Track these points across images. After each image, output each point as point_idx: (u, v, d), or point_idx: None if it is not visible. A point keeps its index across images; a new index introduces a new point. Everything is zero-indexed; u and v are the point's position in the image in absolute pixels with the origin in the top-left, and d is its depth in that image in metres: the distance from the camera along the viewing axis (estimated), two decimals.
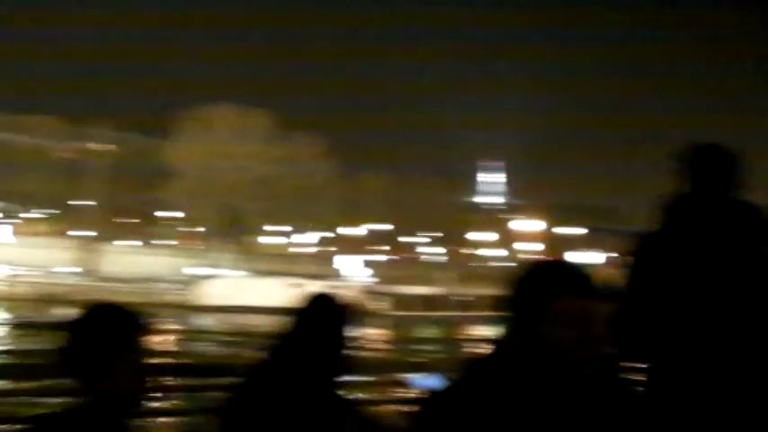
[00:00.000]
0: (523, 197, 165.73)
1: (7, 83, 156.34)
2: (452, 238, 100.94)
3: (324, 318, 2.63)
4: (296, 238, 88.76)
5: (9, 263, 61.28)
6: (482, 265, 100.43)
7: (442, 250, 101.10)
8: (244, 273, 68.96)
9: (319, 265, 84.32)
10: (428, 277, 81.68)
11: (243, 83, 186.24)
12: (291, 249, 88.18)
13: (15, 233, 74.56)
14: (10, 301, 55.29)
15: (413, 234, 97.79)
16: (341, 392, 2.65)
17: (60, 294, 58.50)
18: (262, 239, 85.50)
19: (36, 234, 78.70)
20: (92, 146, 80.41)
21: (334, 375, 2.62)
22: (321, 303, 2.72)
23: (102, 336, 1.98)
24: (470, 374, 1.77)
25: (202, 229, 78.79)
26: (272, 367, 2.59)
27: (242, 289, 62.43)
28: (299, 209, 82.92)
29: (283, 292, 59.53)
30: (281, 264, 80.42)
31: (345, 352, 2.63)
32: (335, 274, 75.01)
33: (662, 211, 3.14)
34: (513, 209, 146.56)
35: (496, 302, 1.88)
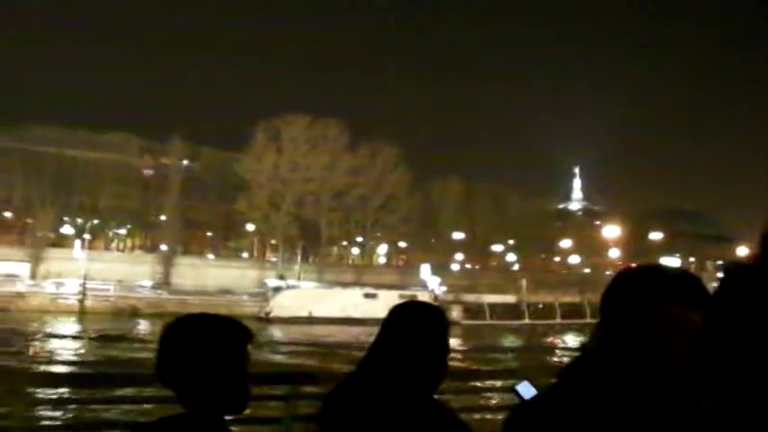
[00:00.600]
0: (603, 203, 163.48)
1: (85, 101, 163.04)
2: (530, 246, 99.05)
3: (419, 325, 2.48)
4: (370, 248, 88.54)
5: (81, 277, 62.19)
6: (560, 271, 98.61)
7: (515, 257, 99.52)
8: (317, 284, 68.72)
9: (393, 274, 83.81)
10: (504, 285, 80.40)
11: (316, 92, 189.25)
12: (365, 260, 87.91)
13: (93, 248, 76.14)
14: (81, 314, 56.13)
15: (489, 242, 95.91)
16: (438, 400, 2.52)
17: (133, 308, 59.75)
18: (336, 250, 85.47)
19: (114, 249, 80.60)
20: (167, 161, 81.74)
21: (432, 383, 2.47)
22: (415, 311, 2.58)
23: (203, 345, 1.99)
24: (567, 382, 1.71)
25: (276, 242, 78.99)
26: (370, 375, 2.46)
27: (315, 300, 62.32)
28: (373, 219, 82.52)
29: (356, 303, 59.63)
30: (354, 274, 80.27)
31: (441, 359, 2.48)
32: (409, 284, 74.18)
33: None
34: (592, 214, 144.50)
35: (598, 308, 1.76)
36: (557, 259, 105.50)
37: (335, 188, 78.83)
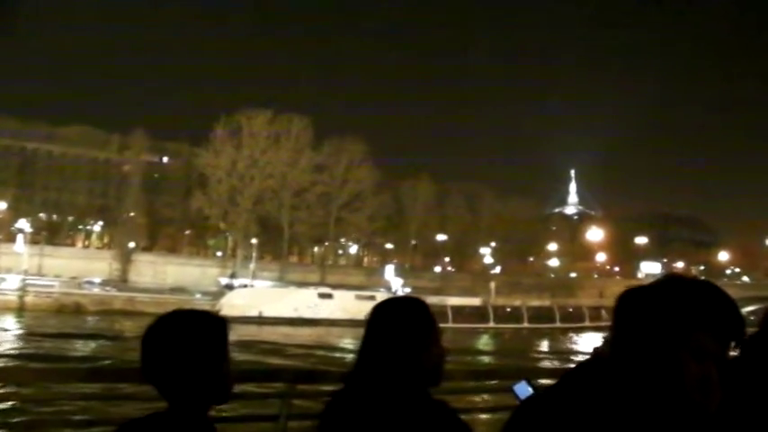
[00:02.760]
0: (599, 207, 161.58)
1: (42, 94, 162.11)
2: (510, 248, 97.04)
3: (401, 320, 2.43)
4: (336, 247, 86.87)
5: (24, 272, 60.55)
6: (544, 275, 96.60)
7: (492, 260, 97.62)
8: (272, 283, 67.00)
9: (360, 275, 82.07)
10: (476, 288, 78.59)
11: (279, 88, 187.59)
12: (331, 259, 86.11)
13: (54, 243, 74.70)
14: (20, 310, 54.48)
15: (465, 244, 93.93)
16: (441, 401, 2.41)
17: (77, 305, 58.16)
18: (300, 249, 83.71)
19: (76, 245, 79.17)
20: (130, 155, 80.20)
21: (426, 379, 2.40)
22: (396, 306, 2.51)
23: (184, 341, 2.00)
24: (573, 385, 1.73)
25: (236, 239, 77.23)
26: (363, 377, 2.42)
27: (267, 300, 60.66)
28: (337, 217, 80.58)
29: (310, 303, 57.79)
30: (319, 274, 78.60)
31: (430, 353, 2.42)
32: (376, 285, 72.42)
33: None
34: (586, 219, 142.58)
35: (615, 315, 1.77)
36: (546, 263, 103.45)
37: (298, 185, 76.79)
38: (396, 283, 72.97)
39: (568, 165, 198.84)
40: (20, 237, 66.70)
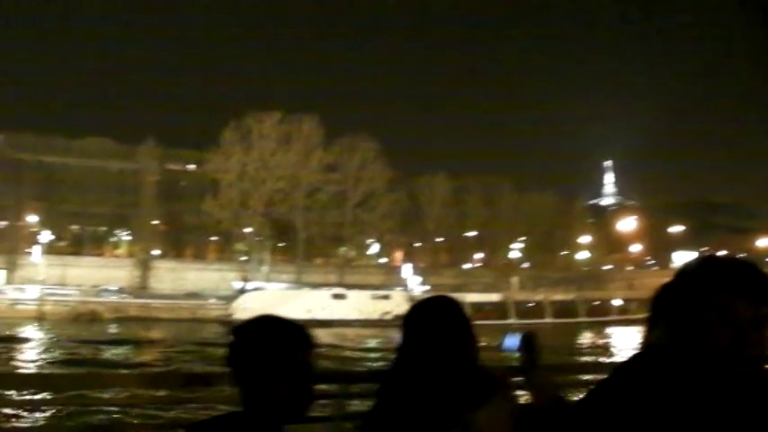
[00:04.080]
0: (631, 196, 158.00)
1: (57, 108, 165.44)
2: (537, 242, 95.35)
3: (434, 319, 2.51)
4: (353, 246, 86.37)
5: (53, 283, 61.90)
6: (569, 268, 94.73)
7: (519, 255, 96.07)
8: (286, 285, 67.01)
9: (380, 274, 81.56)
10: (499, 284, 77.38)
11: (288, 89, 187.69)
12: (349, 259, 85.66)
13: (73, 253, 76.13)
14: (39, 319, 55.59)
15: (492, 240, 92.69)
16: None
17: (93, 312, 59.04)
18: (316, 249, 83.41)
19: (87, 254, 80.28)
20: (143, 164, 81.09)
21: (464, 375, 2.46)
22: (428, 306, 2.59)
23: (268, 347, 2.01)
24: (621, 376, 1.78)
25: (248, 243, 77.38)
26: (408, 372, 2.48)
27: (279, 302, 60.58)
28: (352, 216, 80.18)
29: (324, 304, 57.54)
30: (337, 275, 78.31)
31: (467, 349, 2.53)
32: (394, 283, 71.91)
33: None
34: (617, 209, 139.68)
35: (652, 301, 1.93)
36: (576, 256, 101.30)
37: (309, 185, 76.60)
38: (413, 282, 72.43)
39: (604, 155, 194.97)
40: (36, 248, 68.04)
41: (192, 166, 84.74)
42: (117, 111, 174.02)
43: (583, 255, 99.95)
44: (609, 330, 62.20)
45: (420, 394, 2.36)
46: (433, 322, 2.48)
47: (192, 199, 76.90)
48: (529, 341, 2.85)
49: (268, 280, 67.67)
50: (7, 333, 44.44)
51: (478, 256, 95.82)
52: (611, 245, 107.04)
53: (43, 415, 9.82)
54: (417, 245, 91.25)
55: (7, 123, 77.27)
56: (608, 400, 1.69)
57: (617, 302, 72.64)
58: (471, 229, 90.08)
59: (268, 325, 2.07)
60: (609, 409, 1.66)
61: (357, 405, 4.32)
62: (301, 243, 78.02)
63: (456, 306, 2.57)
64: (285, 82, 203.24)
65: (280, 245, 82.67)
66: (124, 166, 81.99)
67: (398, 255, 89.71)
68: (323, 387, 4.65)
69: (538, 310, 68.16)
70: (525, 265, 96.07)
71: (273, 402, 1.98)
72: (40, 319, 55.88)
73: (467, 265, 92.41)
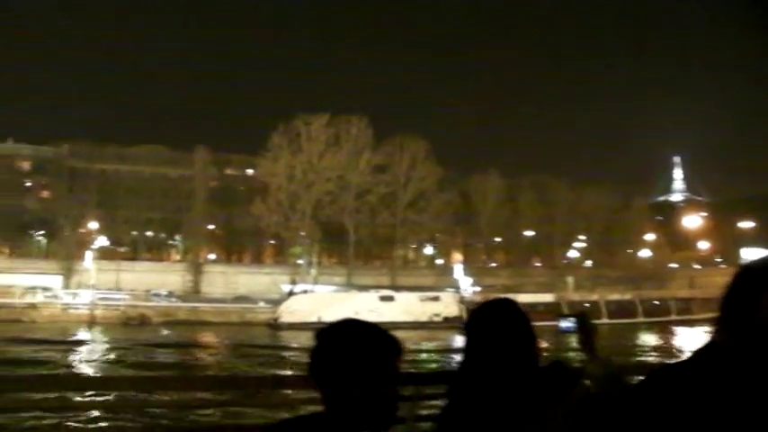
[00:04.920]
0: (701, 192, 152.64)
1: (109, 117, 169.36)
2: (596, 241, 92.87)
3: (494, 322, 2.54)
4: (405, 247, 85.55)
5: (92, 287, 62.90)
6: (630, 266, 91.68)
7: (577, 254, 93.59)
8: (335, 288, 66.63)
9: (433, 275, 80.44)
10: (555, 284, 75.59)
11: (336, 91, 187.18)
12: (398, 260, 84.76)
13: (127, 258, 77.40)
14: (91, 323, 56.56)
15: (546, 238, 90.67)
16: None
17: (142, 316, 59.71)
18: (364, 251, 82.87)
19: (142, 259, 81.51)
20: (193, 170, 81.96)
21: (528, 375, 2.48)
22: (488, 310, 2.62)
23: (345, 352, 1.97)
24: (679, 370, 1.82)
25: (298, 246, 77.22)
26: (479, 372, 2.50)
27: (327, 304, 60.28)
28: (402, 217, 79.25)
29: (372, 307, 56.93)
30: (389, 276, 77.70)
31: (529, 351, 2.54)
32: (446, 285, 70.80)
33: None
34: (685, 206, 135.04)
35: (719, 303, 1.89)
36: (638, 254, 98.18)
37: (358, 187, 76.09)
38: (464, 283, 71.23)
39: (672, 151, 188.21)
40: (89, 254, 69.30)
41: (244, 171, 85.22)
42: (168, 119, 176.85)
43: (646, 253, 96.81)
44: (670, 331, 60.03)
45: (497, 393, 2.33)
46: (497, 324, 2.48)
47: (244, 203, 77.26)
48: (582, 322, 2.80)
49: (316, 282, 67.35)
50: (61, 337, 45.61)
51: (536, 255, 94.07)
52: (677, 242, 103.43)
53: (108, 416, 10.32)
54: (472, 245, 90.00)
55: (64, 133, 79.53)
56: (665, 393, 1.69)
57: (679, 302, 70.11)
58: (526, 229, 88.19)
59: (356, 330, 1.99)
60: (666, 400, 1.67)
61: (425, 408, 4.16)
62: (352, 245, 77.53)
63: (516, 307, 2.57)
64: (333, 84, 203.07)
65: (331, 247, 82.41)
66: (177, 172, 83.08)
67: (454, 256, 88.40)
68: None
69: (593, 311, 66.05)
70: (587, 263, 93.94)
71: (362, 409, 1.89)
72: (91, 323, 56.84)
73: (524, 266, 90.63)
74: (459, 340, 47.76)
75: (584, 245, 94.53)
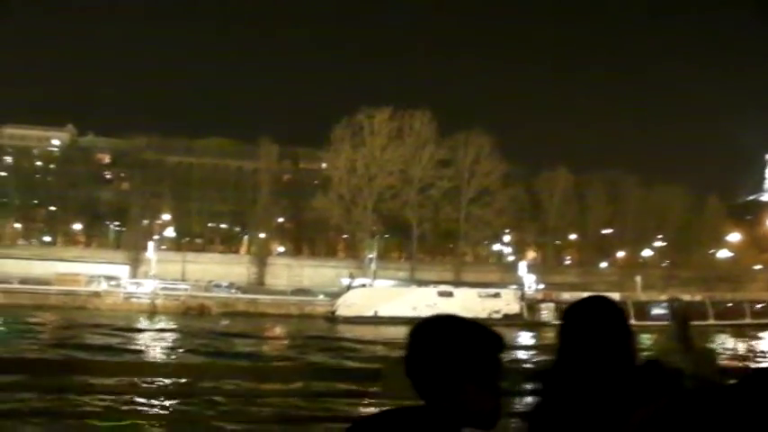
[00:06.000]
0: None
1: (177, 110, 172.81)
2: (671, 240, 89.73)
3: (591, 319, 2.49)
4: (467, 243, 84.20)
5: (176, 277, 64.34)
6: (708, 266, 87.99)
7: (650, 253, 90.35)
8: (394, 282, 66.26)
9: (500, 272, 79.10)
10: (624, 283, 73.23)
11: (400, 84, 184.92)
12: (461, 256, 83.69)
13: (193, 249, 78.90)
14: (152, 313, 57.65)
15: (622, 237, 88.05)
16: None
17: (202, 307, 60.55)
18: (428, 246, 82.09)
19: (209, 250, 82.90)
20: (259, 162, 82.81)
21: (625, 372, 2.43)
22: (584, 307, 2.56)
23: (444, 347, 1.87)
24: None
25: (360, 239, 77.00)
26: (574, 371, 2.46)
27: (384, 299, 60.07)
28: (466, 212, 78.18)
29: (430, 302, 56.42)
30: (449, 272, 76.82)
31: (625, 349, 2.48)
32: (510, 281, 69.44)
33: None
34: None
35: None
36: (717, 255, 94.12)
37: (421, 181, 75.42)
38: (529, 280, 69.78)
39: (763, 149, 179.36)
40: (151, 244, 70.70)
41: (311, 164, 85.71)
42: (235, 112, 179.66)
43: (725, 254, 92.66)
44: (743, 334, 57.05)
45: (592, 392, 2.29)
46: (593, 321, 2.42)
47: (308, 196, 77.80)
48: (679, 313, 2.59)
49: (375, 277, 67.05)
50: (125, 324, 46.79)
51: (608, 254, 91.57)
52: (765, 243, 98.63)
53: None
54: (539, 242, 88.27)
55: (142, 127, 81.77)
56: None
57: (750, 304, 66.93)
58: (595, 226, 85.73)
59: (459, 325, 1.88)
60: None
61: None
62: (415, 240, 76.97)
63: (613, 305, 2.49)
64: (397, 77, 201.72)
65: (395, 242, 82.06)
66: (243, 164, 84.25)
67: (526, 253, 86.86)
68: None
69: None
70: (665, 263, 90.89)
71: (470, 405, 1.81)
72: (151, 312, 57.89)
73: (594, 264, 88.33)
74: (519, 337, 46.09)
75: (661, 244, 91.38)
